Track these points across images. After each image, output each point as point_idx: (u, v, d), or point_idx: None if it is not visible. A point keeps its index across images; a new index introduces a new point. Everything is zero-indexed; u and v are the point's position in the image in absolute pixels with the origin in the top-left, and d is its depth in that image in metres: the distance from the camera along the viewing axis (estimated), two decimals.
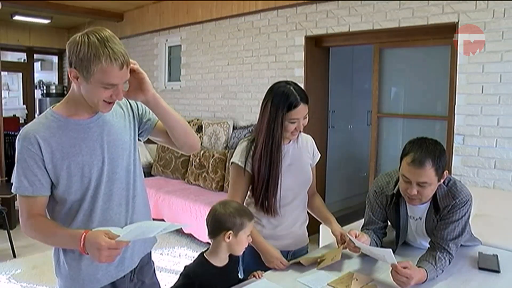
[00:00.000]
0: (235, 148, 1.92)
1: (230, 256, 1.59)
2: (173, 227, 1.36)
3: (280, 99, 1.76)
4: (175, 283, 1.54)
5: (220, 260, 1.56)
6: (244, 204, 1.90)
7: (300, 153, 1.92)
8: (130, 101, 1.56)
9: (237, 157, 1.85)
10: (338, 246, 1.89)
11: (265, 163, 1.79)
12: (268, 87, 1.85)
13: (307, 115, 1.81)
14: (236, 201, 1.69)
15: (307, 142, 1.99)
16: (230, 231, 1.51)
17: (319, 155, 2.04)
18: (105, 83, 1.28)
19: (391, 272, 1.58)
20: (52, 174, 1.35)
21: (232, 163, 1.87)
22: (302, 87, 1.83)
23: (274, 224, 1.87)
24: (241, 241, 1.54)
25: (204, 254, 1.57)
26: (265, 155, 1.79)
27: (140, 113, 1.57)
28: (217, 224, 1.53)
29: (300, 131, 1.84)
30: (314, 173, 2.01)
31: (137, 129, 1.56)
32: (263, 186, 1.80)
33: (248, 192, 1.90)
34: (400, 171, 1.71)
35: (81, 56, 1.25)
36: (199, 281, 1.49)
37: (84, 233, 1.26)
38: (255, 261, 1.77)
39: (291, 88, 1.77)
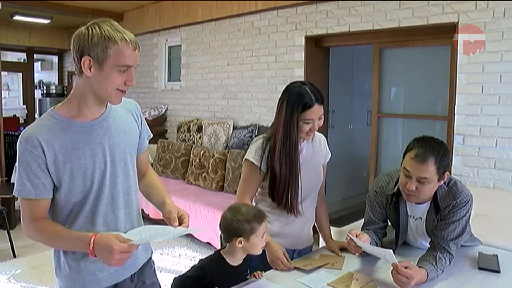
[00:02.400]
0: (247, 147, 1.92)
1: (245, 256, 1.62)
2: (184, 232, 1.37)
3: (295, 99, 1.77)
4: (187, 271, 1.59)
5: (235, 260, 1.60)
6: (253, 201, 1.91)
7: (313, 152, 1.93)
8: (136, 112, 1.57)
9: (252, 154, 1.85)
10: (339, 255, 1.90)
11: (285, 163, 1.80)
12: (284, 87, 1.86)
13: (322, 116, 1.81)
14: (246, 205, 1.69)
15: (320, 141, 1.99)
16: (241, 238, 1.54)
17: (330, 154, 2.04)
18: (121, 64, 1.29)
19: (391, 271, 1.58)
20: (54, 177, 1.33)
21: (246, 160, 1.86)
22: (318, 88, 1.84)
23: (283, 223, 1.88)
24: (254, 244, 1.56)
25: (221, 252, 1.61)
26: (283, 155, 1.80)
27: (141, 131, 1.58)
28: (228, 231, 1.56)
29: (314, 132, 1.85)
30: (324, 172, 2.01)
31: (137, 138, 1.55)
32: (285, 187, 1.81)
33: (258, 189, 1.91)
34: (402, 165, 1.71)
35: (95, 40, 1.26)
36: (211, 275, 1.54)
37: (94, 236, 1.26)
38: (261, 259, 1.76)
39: (306, 88, 1.78)
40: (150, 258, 1.67)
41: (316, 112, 1.77)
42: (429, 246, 1.79)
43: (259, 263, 1.75)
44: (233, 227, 1.54)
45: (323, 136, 2.04)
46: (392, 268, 1.58)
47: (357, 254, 1.83)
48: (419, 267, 1.63)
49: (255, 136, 4.51)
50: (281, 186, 1.82)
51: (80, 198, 1.37)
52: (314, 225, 2.04)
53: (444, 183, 1.75)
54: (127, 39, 1.29)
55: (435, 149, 1.64)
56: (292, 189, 1.82)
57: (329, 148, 2.05)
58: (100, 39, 1.26)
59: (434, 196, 1.75)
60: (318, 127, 1.83)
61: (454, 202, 1.73)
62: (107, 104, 1.44)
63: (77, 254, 1.41)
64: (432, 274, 1.62)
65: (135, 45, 1.32)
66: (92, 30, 1.28)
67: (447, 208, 1.74)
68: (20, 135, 1.33)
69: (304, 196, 1.89)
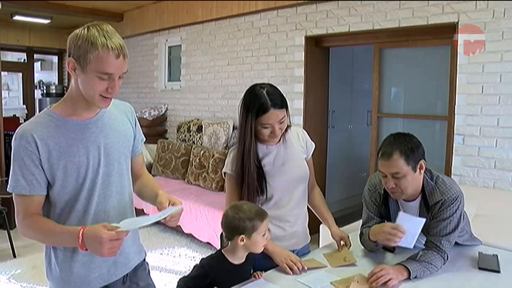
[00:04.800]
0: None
1: (247, 255, 1.62)
2: (170, 210, 1.35)
3: (250, 103, 1.74)
4: (189, 272, 1.60)
5: (237, 259, 1.60)
6: None
7: (292, 150, 1.90)
8: (130, 114, 1.57)
9: (228, 166, 1.85)
10: (338, 250, 1.90)
11: (237, 166, 1.79)
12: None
13: (283, 120, 1.76)
14: (247, 203, 1.68)
15: (298, 135, 1.96)
16: (242, 235, 1.54)
17: (314, 145, 2.01)
18: (100, 71, 1.28)
19: (371, 278, 1.60)
20: (48, 173, 1.34)
21: (224, 173, 1.87)
22: (279, 90, 1.79)
23: (279, 225, 1.86)
24: (256, 242, 1.57)
25: (223, 250, 1.62)
26: (237, 158, 1.79)
27: (135, 132, 1.58)
28: (229, 229, 1.57)
29: (281, 133, 1.81)
30: (310, 165, 1.98)
31: (132, 139, 1.55)
32: (242, 189, 1.80)
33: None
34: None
35: (79, 44, 1.27)
36: (212, 274, 1.55)
37: (82, 229, 1.25)
38: (266, 258, 1.75)
39: (264, 92, 1.73)
40: (144, 259, 1.65)
41: (273, 117, 1.72)
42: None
43: (264, 263, 1.74)
44: (235, 224, 1.55)
45: (301, 129, 2.01)
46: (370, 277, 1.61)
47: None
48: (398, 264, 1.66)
49: None
50: (240, 188, 1.80)
51: (72, 195, 1.38)
52: (309, 225, 2.02)
53: (431, 179, 1.77)
54: (109, 46, 1.26)
55: (399, 143, 1.69)
56: (250, 194, 1.78)
57: (311, 140, 2.00)
58: (84, 42, 1.27)
59: (423, 193, 1.77)
60: (280, 131, 1.78)
61: (443, 200, 1.74)
62: None
63: (68, 256, 1.41)
64: (414, 266, 1.63)
65: (119, 52, 1.28)
66: (81, 32, 1.28)
67: (437, 205, 1.75)
68: (15, 132, 1.34)
69: (291, 196, 1.87)
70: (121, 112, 1.53)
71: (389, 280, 1.57)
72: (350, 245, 1.92)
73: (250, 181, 1.78)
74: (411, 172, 1.69)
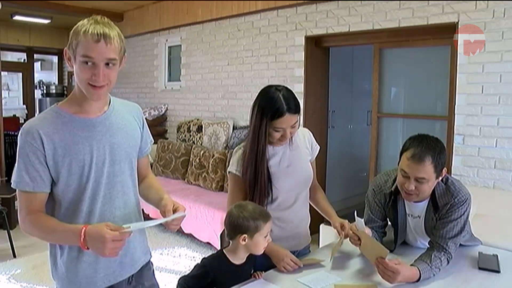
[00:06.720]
0: (232, 152, 1.90)
1: (248, 255, 1.62)
2: (173, 216, 1.37)
3: (265, 105, 1.71)
4: (190, 272, 1.60)
5: (238, 259, 1.61)
6: None
7: (298, 152, 1.89)
8: (137, 115, 1.56)
9: (234, 166, 1.83)
10: (339, 237, 1.88)
11: (250, 169, 1.77)
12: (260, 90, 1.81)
13: (295, 124, 1.74)
14: (252, 203, 1.67)
15: (304, 136, 1.95)
16: (245, 235, 1.54)
17: (318, 147, 2.01)
18: (82, 54, 1.28)
19: (378, 266, 1.60)
20: (53, 170, 1.33)
21: (229, 172, 1.85)
22: (294, 93, 1.77)
23: (281, 227, 1.85)
24: (257, 243, 1.57)
25: (224, 250, 1.62)
26: (250, 161, 1.77)
27: (143, 133, 1.58)
28: (232, 228, 1.57)
29: (290, 137, 1.80)
30: (314, 167, 1.97)
31: (139, 140, 1.55)
32: (253, 193, 1.78)
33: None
34: (399, 166, 1.71)
35: (71, 34, 1.30)
36: (213, 273, 1.55)
37: (84, 227, 1.25)
38: (266, 259, 1.75)
39: (280, 95, 1.71)
40: (149, 260, 1.65)
41: (287, 121, 1.70)
42: (428, 246, 1.79)
43: (264, 263, 1.74)
44: (239, 223, 1.55)
45: (307, 130, 1.99)
46: (379, 263, 1.60)
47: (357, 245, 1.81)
48: (411, 265, 1.64)
49: None
50: (250, 192, 1.78)
51: (76, 194, 1.37)
52: (310, 225, 2.01)
53: (442, 181, 1.75)
54: (89, 31, 1.26)
55: (431, 148, 1.64)
56: (261, 196, 1.77)
57: (316, 142, 1.99)
58: (73, 32, 1.30)
59: (432, 194, 1.75)
60: (291, 135, 1.77)
61: (452, 201, 1.73)
62: (109, 102, 1.46)
63: (74, 256, 1.40)
64: (426, 273, 1.62)
65: (99, 38, 1.26)
66: (78, 24, 1.31)
67: (446, 206, 1.74)
68: (22, 128, 1.34)
69: (295, 197, 1.87)
70: (128, 113, 1.52)
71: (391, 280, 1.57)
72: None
73: (262, 184, 1.77)
74: (434, 178, 1.67)
